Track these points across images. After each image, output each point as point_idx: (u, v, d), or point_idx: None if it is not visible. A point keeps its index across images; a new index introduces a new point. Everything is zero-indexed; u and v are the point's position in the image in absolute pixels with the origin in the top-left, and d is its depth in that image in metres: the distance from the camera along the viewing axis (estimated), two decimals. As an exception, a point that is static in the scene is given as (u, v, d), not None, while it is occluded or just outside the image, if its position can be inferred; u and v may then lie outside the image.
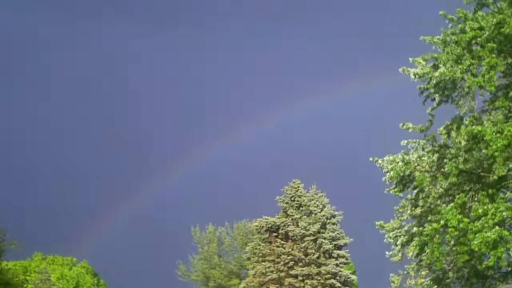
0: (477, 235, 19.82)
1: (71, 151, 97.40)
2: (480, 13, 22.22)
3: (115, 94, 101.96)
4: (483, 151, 22.00)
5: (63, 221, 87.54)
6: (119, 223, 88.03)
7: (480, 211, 20.32)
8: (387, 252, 26.36)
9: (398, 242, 25.79)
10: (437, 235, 22.03)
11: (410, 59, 22.93)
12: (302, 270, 43.48)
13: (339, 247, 45.12)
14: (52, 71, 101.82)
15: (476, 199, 22.98)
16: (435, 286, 25.43)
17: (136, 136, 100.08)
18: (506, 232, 20.04)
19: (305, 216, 45.19)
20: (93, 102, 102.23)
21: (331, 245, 44.46)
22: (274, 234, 45.41)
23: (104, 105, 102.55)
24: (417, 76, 22.78)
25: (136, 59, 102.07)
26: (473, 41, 21.71)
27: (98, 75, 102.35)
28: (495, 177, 21.34)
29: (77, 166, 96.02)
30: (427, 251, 23.25)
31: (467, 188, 23.77)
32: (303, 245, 44.29)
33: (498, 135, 20.06)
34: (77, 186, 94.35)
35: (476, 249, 19.99)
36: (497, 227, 19.93)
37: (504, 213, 19.98)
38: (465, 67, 20.96)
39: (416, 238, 24.02)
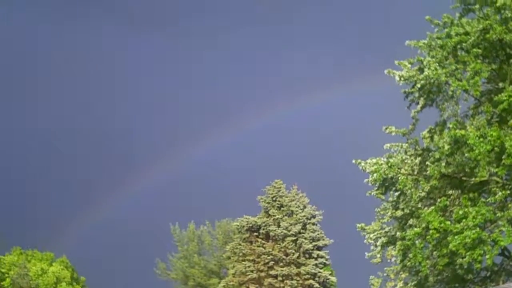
0: (456, 236, 19.97)
1: (50, 147, 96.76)
2: (464, 19, 22.41)
3: (102, 93, 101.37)
4: (466, 155, 22.18)
5: (42, 217, 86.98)
6: (99, 220, 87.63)
7: (461, 213, 20.47)
8: (366, 253, 26.46)
9: (378, 243, 25.89)
10: (419, 240, 22.16)
11: (396, 62, 23.06)
12: (282, 270, 43.55)
13: (319, 248, 45.25)
14: (37, 68, 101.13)
15: (457, 202, 23.16)
16: None
17: (118, 134, 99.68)
18: (485, 234, 20.20)
19: (286, 217, 45.26)
20: (77, 100, 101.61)
21: (311, 245, 44.58)
22: (255, 233, 45.45)
23: (87, 103, 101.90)
24: (402, 79, 22.91)
25: (124, 58, 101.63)
26: (458, 46, 21.88)
27: (85, 74, 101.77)
28: (477, 180, 21.54)
29: (57, 162, 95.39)
30: (410, 255, 23.37)
31: (449, 192, 23.96)
32: (283, 245, 44.36)
33: (481, 139, 20.23)
34: (56, 182, 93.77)
35: (454, 249, 20.12)
36: (477, 229, 20.08)
37: (486, 215, 20.13)
38: (449, 71, 21.12)
39: (399, 243, 24.13)
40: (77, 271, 61.87)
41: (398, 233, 24.53)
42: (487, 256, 20.43)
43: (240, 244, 45.39)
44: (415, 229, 22.47)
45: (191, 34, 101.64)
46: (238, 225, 46.09)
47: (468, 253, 20.17)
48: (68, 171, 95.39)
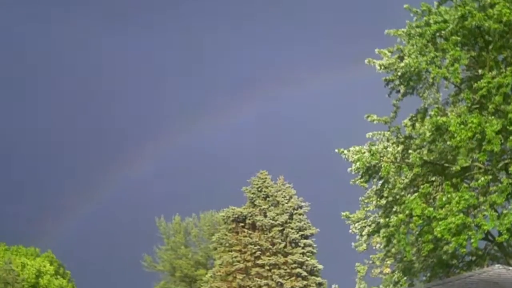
0: (440, 222, 20.15)
1: (35, 139, 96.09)
2: (443, 7, 22.51)
3: (88, 87, 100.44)
4: (448, 142, 22.37)
5: (25, 212, 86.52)
6: (84, 214, 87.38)
7: (444, 199, 20.66)
8: (353, 244, 26.64)
9: (364, 233, 26.09)
10: (402, 226, 22.34)
11: (376, 50, 23.19)
12: (269, 259, 43.69)
13: (306, 237, 45.44)
14: (26, 63, 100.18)
15: (440, 189, 23.36)
16: (404, 278, 25.78)
17: (104, 126, 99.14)
18: (470, 219, 20.41)
19: (272, 207, 45.37)
20: (65, 94, 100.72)
21: (298, 235, 44.74)
22: (241, 224, 45.51)
23: (73, 98, 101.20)
24: (382, 67, 23.05)
25: (110, 54, 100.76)
26: (437, 34, 22.01)
27: (73, 67, 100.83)
28: (459, 167, 21.73)
29: (43, 157, 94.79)
30: (394, 242, 23.58)
31: (432, 179, 24.15)
32: (270, 235, 44.49)
33: (462, 126, 20.40)
34: (40, 175, 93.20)
35: (439, 235, 20.32)
36: (461, 214, 20.28)
37: (469, 201, 20.32)
38: (429, 59, 21.24)
39: (383, 230, 24.33)
40: (64, 265, 61.74)
41: (382, 221, 24.73)
42: (472, 241, 20.64)
43: (226, 235, 45.45)
44: (399, 215, 22.65)
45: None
46: (224, 216, 46.12)
47: (453, 239, 20.36)
48: (52, 163, 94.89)
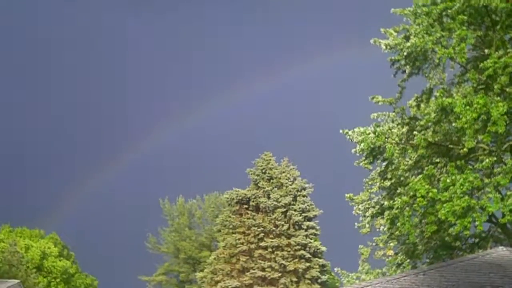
0: (445, 204, 19.99)
1: (36, 122, 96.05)
2: None
3: (81, 72, 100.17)
4: (453, 123, 22.15)
5: (30, 194, 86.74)
6: (89, 196, 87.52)
7: (448, 181, 20.48)
8: (356, 224, 26.52)
9: (368, 214, 25.94)
10: (407, 208, 22.20)
11: (382, 30, 22.91)
12: (272, 241, 43.63)
13: (309, 219, 45.34)
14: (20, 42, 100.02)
15: (444, 171, 23.19)
16: (408, 260, 25.68)
17: (106, 109, 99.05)
18: (474, 202, 20.25)
19: (276, 189, 45.25)
20: (61, 80, 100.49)
21: (301, 217, 44.65)
22: (245, 206, 45.41)
23: (72, 84, 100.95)
24: (388, 47, 22.79)
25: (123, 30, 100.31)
26: (444, 13, 21.72)
27: (68, 50, 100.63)
28: (466, 149, 21.51)
29: (43, 138, 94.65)
30: (398, 224, 23.44)
31: (436, 160, 23.97)
32: (273, 216, 44.40)
33: (468, 107, 20.18)
34: (43, 158, 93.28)
35: (443, 218, 20.16)
36: (466, 197, 20.11)
37: (473, 183, 20.14)
38: (435, 39, 20.97)
39: (387, 212, 24.19)
40: (68, 247, 61.93)
41: (386, 203, 24.58)
42: (476, 223, 20.49)
43: (230, 217, 45.38)
44: (403, 197, 22.50)
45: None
46: (228, 198, 46.02)
47: (458, 221, 20.21)
48: (55, 146, 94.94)
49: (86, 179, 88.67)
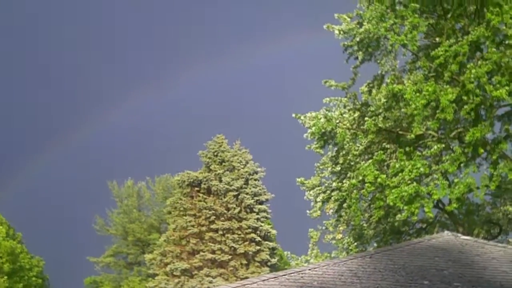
0: (393, 190, 20.27)
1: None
2: None
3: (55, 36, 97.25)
4: (403, 110, 22.44)
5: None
6: (34, 174, 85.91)
7: (397, 167, 20.76)
8: (308, 211, 26.70)
9: (318, 199, 26.16)
10: (355, 191, 22.46)
11: (336, 15, 23.00)
12: (223, 224, 43.71)
13: (261, 203, 45.53)
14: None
15: (394, 157, 23.51)
16: (355, 243, 26.01)
17: (59, 82, 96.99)
18: (422, 188, 20.58)
19: (228, 172, 45.25)
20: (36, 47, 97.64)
21: (253, 200, 44.81)
22: (196, 188, 45.32)
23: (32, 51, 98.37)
24: (341, 33, 22.89)
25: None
26: (397, 0, 21.90)
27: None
28: (413, 135, 21.84)
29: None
30: (345, 205, 23.74)
31: (386, 146, 24.28)
32: (225, 199, 44.44)
33: (418, 94, 20.43)
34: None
35: (392, 203, 20.46)
36: (414, 183, 20.42)
37: (420, 170, 20.46)
38: (388, 26, 21.15)
39: (335, 193, 24.47)
40: (13, 227, 60.78)
41: (334, 184, 24.86)
42: (425, 210, 20.83)
43: (181, 199, 45.24)
44: (352, 180, 22.77)
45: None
46: (179, 180, 45.83)
47: (406, 207, 20.51)
48: (8, 123, 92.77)
49: (34, 158, 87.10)
